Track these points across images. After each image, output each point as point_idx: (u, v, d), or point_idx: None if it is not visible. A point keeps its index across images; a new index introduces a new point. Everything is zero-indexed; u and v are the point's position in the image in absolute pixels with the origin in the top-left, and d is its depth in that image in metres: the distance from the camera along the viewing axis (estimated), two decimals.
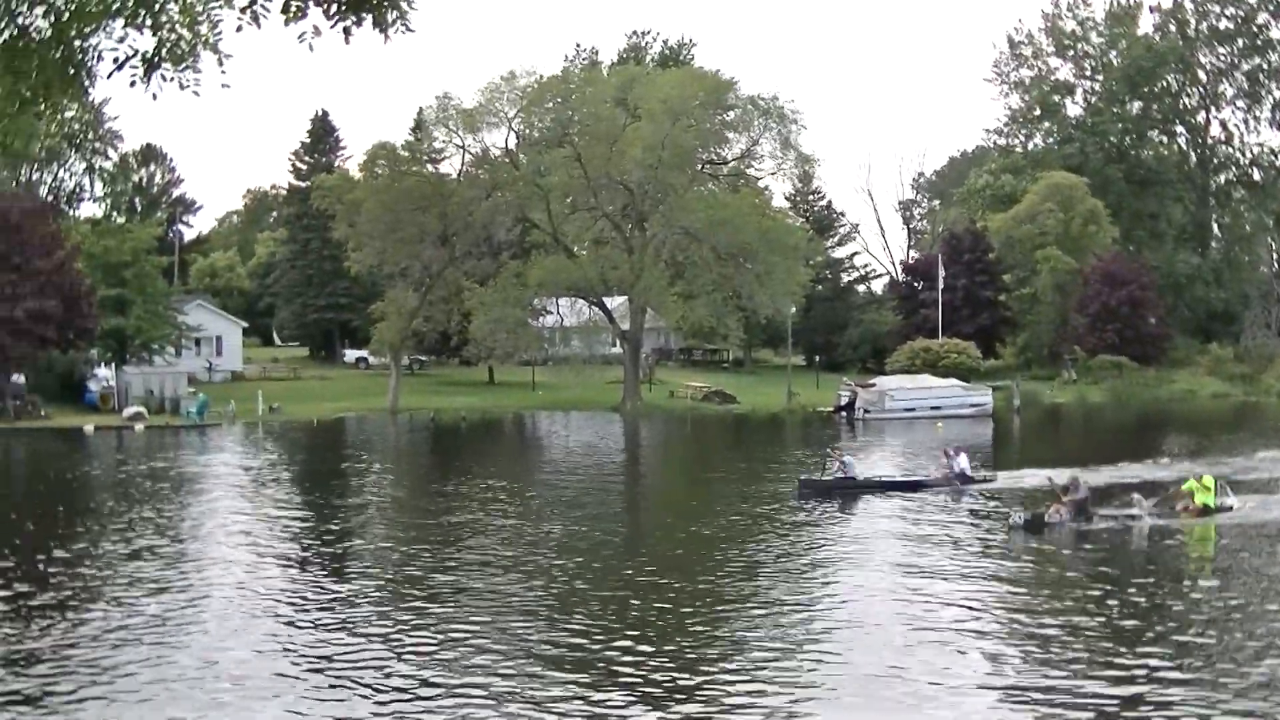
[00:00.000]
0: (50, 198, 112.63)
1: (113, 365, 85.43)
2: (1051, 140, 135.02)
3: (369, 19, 8.41)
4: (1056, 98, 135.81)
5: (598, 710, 18.40)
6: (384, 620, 24.15)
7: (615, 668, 20.61)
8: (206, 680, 19.86)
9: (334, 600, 26.36)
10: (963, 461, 44.70)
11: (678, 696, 19.02)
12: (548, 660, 21.17)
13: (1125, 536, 34.15)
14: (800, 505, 40.57)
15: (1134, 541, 33.74)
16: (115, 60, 8.12)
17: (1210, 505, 36.06)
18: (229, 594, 26.48)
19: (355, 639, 22.62)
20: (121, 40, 8.06)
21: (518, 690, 19.37)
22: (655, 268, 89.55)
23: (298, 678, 20.26)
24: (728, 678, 20.12)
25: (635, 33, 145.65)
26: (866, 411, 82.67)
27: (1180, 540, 34.10)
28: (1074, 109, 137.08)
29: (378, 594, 27.10)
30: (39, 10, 8.00)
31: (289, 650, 21.97)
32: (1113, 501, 37.54)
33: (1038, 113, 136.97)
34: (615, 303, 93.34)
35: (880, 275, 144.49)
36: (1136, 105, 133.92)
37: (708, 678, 20.05)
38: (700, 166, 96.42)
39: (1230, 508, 36.70)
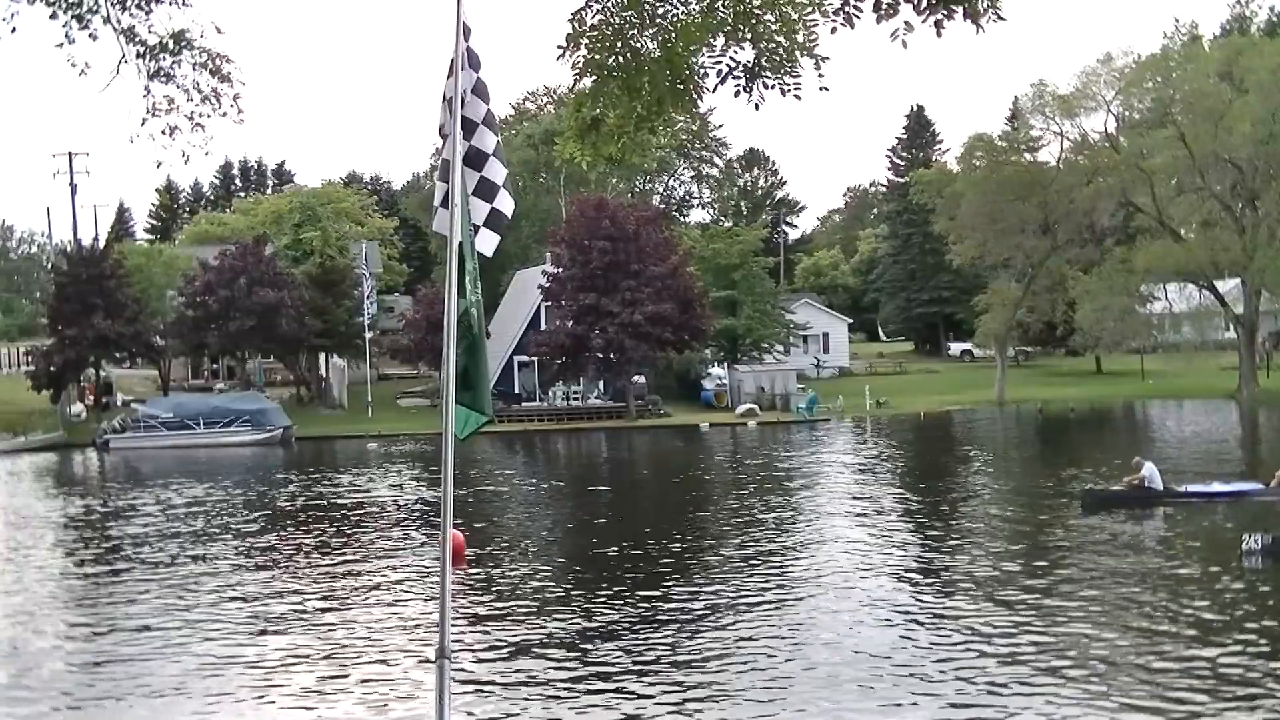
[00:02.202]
0: (662, 205, 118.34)
1: (725, 364, 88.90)
2: None
3: (960, 10, 8.38)
4: None
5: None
6: (983, 622, 23.91)
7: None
8: (796, 679, 19.84)
9: (943, 595, 26.39)
10: None
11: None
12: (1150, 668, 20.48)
13: None
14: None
15: None
16: (718, 73, 8.52)
17: None
18: (840, 592, 26.80)
19: (961, 639, 22.53)
20: (723, 54, 8.45)
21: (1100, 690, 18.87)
22: (1270, 247, 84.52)
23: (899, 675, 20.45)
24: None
25: (1238, 2, 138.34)
26: None
27: None
28: None
29: (979, 593, 26.92)
30: (649, 33, 8.51)
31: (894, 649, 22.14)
32: None
33: None
34: (1227, 285, 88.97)
35: None
36: None
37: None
38: None
39: None
